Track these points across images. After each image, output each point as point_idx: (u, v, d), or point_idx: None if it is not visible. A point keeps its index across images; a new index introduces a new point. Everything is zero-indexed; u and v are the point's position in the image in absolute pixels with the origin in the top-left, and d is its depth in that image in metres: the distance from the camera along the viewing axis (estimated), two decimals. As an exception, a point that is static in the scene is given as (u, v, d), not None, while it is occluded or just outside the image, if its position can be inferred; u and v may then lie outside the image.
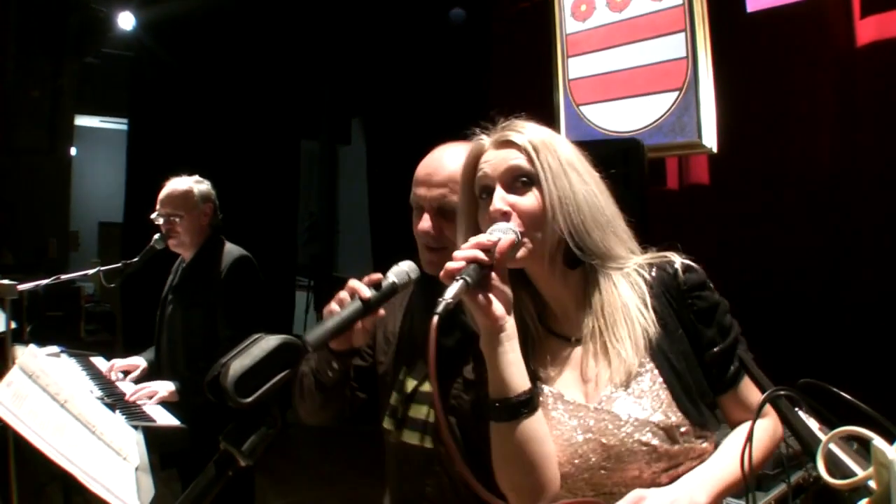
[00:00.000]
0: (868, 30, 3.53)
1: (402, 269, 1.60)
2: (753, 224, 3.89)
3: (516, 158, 1.40)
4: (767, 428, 1.43)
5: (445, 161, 1.81)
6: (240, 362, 1.18)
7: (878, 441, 0.84)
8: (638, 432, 1.33)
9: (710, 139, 3.83)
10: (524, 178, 1.39)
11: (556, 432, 1.39)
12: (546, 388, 1.44)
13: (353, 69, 7.64)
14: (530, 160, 1.39)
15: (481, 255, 1.27)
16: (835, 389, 0.96)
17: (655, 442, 1.32)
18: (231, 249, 3.37)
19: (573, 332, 1.45)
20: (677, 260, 1.43)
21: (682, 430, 1.33)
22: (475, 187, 1.45)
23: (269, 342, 1.22)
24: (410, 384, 1.82)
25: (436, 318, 1.22)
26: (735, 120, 3.86)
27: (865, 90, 3.52)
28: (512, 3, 5.45)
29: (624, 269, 1.42)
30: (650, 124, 4.06)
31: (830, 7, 3.59)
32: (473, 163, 1.46)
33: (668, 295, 1.40)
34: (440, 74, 6.33)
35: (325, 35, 7.35)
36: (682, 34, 3.99)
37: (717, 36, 3.90)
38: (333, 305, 1.56)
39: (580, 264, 1.41)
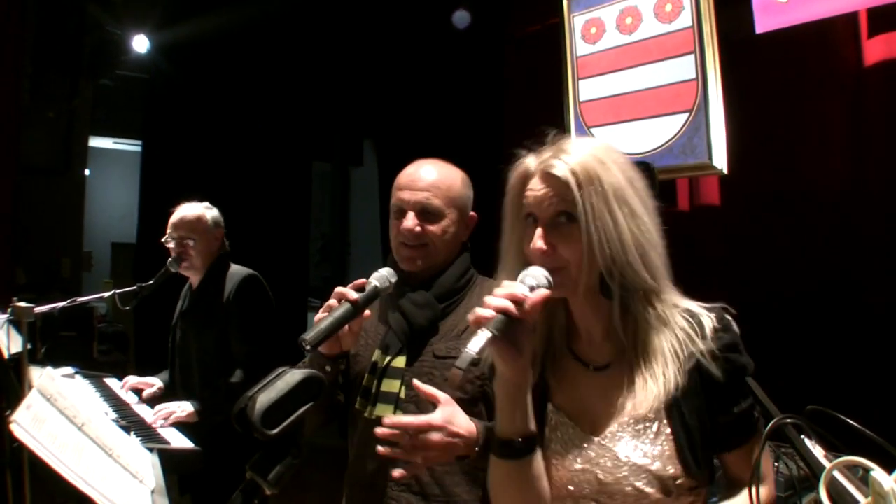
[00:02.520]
0: (876, 49, 3.54)
1: (383, 274, 1.77)
2: (764, 245, 3.88)
3: (557, 196, 1.36)
4: (764, 496, 1.41)
5: (426, 170, 2.03)
6: (266, 395, 1.22)
7: (876, 472, 0.86)
8: (634, 476, 1.34)
9: (720, 160, 3.83)
10: (566, 216, 1.36)
11: (556, 456, 1.41)
12: (555, 409, 1.46)
13: (365, 91, 7.68)
14: (572, 197, 1.34)
15: (512, 308, 1.25)
16: (841, 416, 0.97)
17: (649, 490, 1.33)
18: (237, 270, 3.41)
19: (594, 360, 1.45)
20: (713, 316, 1.39)
21: (678, 482, 1.33)
22: (521, 209, 1.43)
23: (293, 376, 1.26)
24: (383, 360, 1.94)
25: (459, 372, 1.20)
26: (745, 141, 3.86)
27: (874, 109, 3.53)
28: (524, 25, 5.49)
29: (663, 310, 1.40)
30: (661, 146, 4.07)
31: (839, 27, 3.61)
32: (519, 186, 1.45)
33: (698, 348, 1.37)
34: (452, 96, 6.36)
35: (337, 57, 7.39)
36: (692, 56, 4.01)
37: (727, 57, 3.91)
38: (322, 314, 1.66)
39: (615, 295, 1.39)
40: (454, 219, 2.01)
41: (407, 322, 1.94)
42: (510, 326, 1.25)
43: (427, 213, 1.97)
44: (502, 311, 1.24)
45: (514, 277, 1.34)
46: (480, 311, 1.25)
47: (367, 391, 1.94)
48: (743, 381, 1.37)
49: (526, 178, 1.43)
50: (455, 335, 1.94)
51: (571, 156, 1.37)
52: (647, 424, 1.36)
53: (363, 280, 1.72)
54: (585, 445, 1.39)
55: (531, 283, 1.31)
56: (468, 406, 1.73)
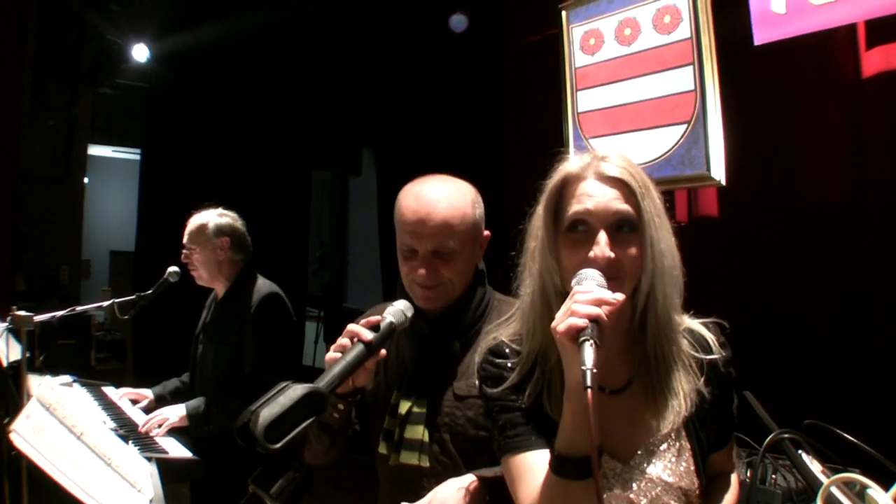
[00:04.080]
0: (875, 61, 3.55)
1: (399, 309, 1.65)
2: (763, 256, 3.88)
3: (623, 203, 1.32)
4: (734, 485, 1.46)
5: (438, 203, 1.85)
6: (269, 410, 1.23)
7: (872, 490, 0.86)
8: (666, 496, 1.34)
9: (718, 172, 3.83)
10: (628, 224, 1.32)
11: None
12: None
13: (364, 100, 7.70)
14: (637, 206, 1.31)
15: (602, 314, 1.21)
16: (838, 431, 0.97)
17: None
18: (262, 286, 3.35)
19: (609, 384, 1.40)
20: (713, 332, 1.45)
21: (697, 493, 1.37)
22: (562, 214, 1.37)
23: (295, 391, 1.26)
24: (404, 406, 1.86)
25: (589, 392, 1.13)
26: (743, 152, 3.86)
27: (873, 121, 3.53)
28: (522, 36, 5.49)
29: (675, 326, 1.39)
30: (659, 157, 4.07)
31: (837, 39, 3.61)
32: (560, 187, 1.39)
33: (705, 364, 1.39)
34: (450, 106, 6.37)
35: (336, 67, 7.41)
36: (690, 67, 4.01)
37: (725, 69, 3.91)
38: (334, 353, 1.59)
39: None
40: (468, 251, 1.90)
41: (430, 366, 1.87)
42: (602, 333, 1.20)
43: (441, 255, 1.84)
44: (594, 319, 1.19)
45: (546, 288, 1.35)
46: (575, 321, 1.19)
47: (391, 435, 1.87)
48: (732, 388, 1.45)
49: (569, 180, 1.38)
50: (472, 372, 1.88)
51: (620, 159, 1.35)
52: (671, 442, 1.36)
53: (377, 318, 1.62)
54: (615, 469, 1.36)
55: (619, 297, 1.25)
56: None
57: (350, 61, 7.30)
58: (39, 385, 1.66)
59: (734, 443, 1.47)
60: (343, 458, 1.98)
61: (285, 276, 7.61)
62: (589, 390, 1.11)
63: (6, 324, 2.83)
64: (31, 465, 1.37)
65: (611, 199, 1.32)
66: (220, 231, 3.39)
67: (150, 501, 1.64)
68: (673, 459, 1.35)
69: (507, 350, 1.49)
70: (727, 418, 1.44)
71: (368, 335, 1.54)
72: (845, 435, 1.00)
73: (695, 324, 1.44)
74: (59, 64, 8.00)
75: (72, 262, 8.58)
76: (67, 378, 3.57)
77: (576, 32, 4.64)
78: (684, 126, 4.00)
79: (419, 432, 1.83)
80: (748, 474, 2.17)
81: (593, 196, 1.32)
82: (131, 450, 2.15)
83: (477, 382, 1.60)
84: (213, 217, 3.42)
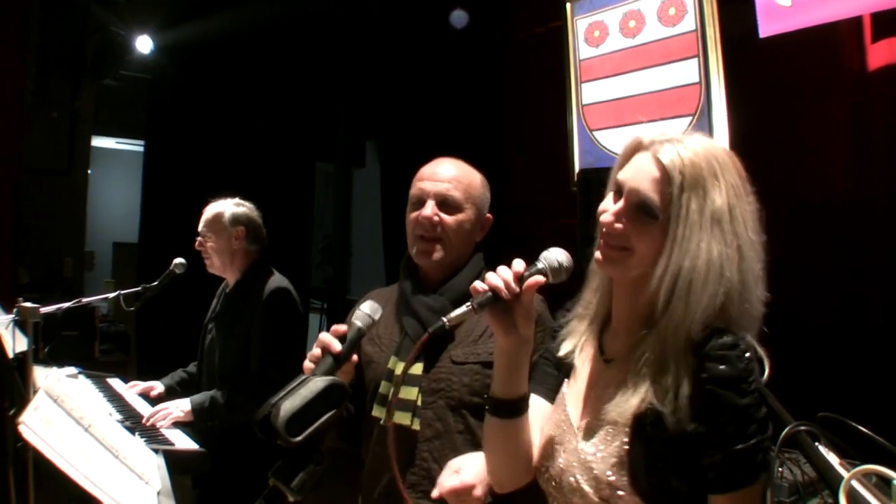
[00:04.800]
0: (880, 54, 3.54)
1: (365, 313, 1.61)
2: (768, 249, 3.88)
3: (653, 186, 1.31)
4: None
5: (448, 165, 2.09)
6: (290, 403, 1.23)
7: None
8: (580, 473, 1.38)
9: (722, 164, 3.84)
10: (651, 214, 1.31)
11: (547, 431, 1.49)
12: (566, 391, 1.52)
13: (368, 92, 7.69)
14: (668, 196, 1.29)
15: (502, 288, 1.34)
16: (853, 423, 0.97)
17: (586, 488, 1.36)
18: (273, 281, 3.32)
19: (608, 352, 1.47)
20: (716, 345, 1.26)
21: (619, 493, 1.31)
22: (616, 176, 1.40)
23: (316, 384, 1.27)
24: (400, 368, 1.93)
25: (424, 337, 1.38)
26: (748, 145, 3.86)
27: (878, 114, 3.53)
28: (526, 28, 5.49)
29: (685, 334, 1.30)
30: (663, 150, 4.08)
31: (842, 32, 3.61)
32: (626, 156, 1.41)
33: (697, 374, 1.27)
34: (454, 98, 6.37)
35: (341, 59, 7.40)
36: (695, 60, 4.01)
37: (730, 61, 3.91)
38: (308, 363, 1.58)
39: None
40: (471, 215, 2.06)
41: (423, 327, 1.91)
42: (496, 304, 1.35)
43: (446, 205, 2.02)
44: (493, 290, 1.34)
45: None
46: (477, 284, 1.37)
47: (384, 399, 1.94)
48: (746, 422, 1.24)
49: (636, 149, 1.39)
50: (472, 340, 1.96)
51: (687, 150, 1.32)
52: (613, 429, 1.35)
53: (344, 328, 1.58)
54: (565, 429, 1.45)
55: (539, 266, 1.38)
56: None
57: (353, 53, 7.29)
58: (46, 377, 1.66)
59: (753, 490, 1.25)
60: (341, 450, 2.00)
61: (289, 267, 7.57)
62: (424, 336, 1.37)
63: (12, 316, 2.83)
64: (38, 456, 1.38)
65: (644, 176, 1.33)
66: (237, 220, 3.37)
67: (158, 493, 1.65)
68: (601, 446, 1.35)
69: None
70: (727, 454, 1.24)
71: (337, 347, 1.52)
72: (860, 427, 1.00)
73: (727, 338, 1.28)
74: (62, 56, 7.98)
75: (75, 254, 8.57)
76: (73, 370, 3.57)
77: (580, 24, 4.64)
78: (689, 118, 4.00)
79: (413, 394, 1.91)
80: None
81: (635, 165, 1.36)
82: (138, 442, 2.16)
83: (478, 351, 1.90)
84: (229, 206, 3.40)
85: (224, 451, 3.03)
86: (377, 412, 1.95)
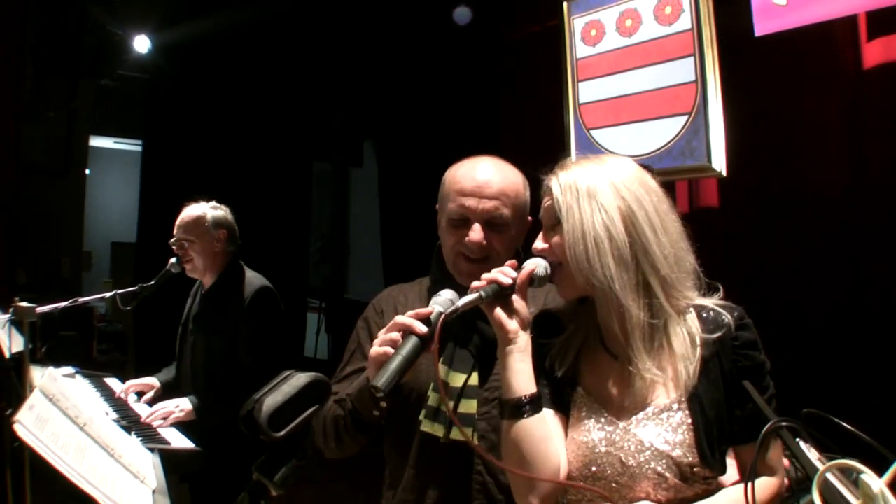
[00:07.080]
0: (875, 52, 3.55)
1: (446, 299, 1.57)
2: (763, 246, 3.89)
3: (547, 202, 1.58)
4: (770, 484, 1.49)
5: (491, 173, 1.84)
6: (272, 398, 1.25)
7: (865, 475, 0.89)
8: (655, 461, 1.43)
9: (719, 162, 3.84)
10: (555, 220, 1.55)
11: (582, 437, 1.50)
12: (585, 393, 1.55)
13: (365, 92, 7.70)
14: (556, 202, 1.54)
15: (502, 279, 1.50)
16: (835, 419, 0.99)
17: (668, 475, 1.42)
18: (252, 278, 3.38)
19: (620, 353, 1.54)
20: (733, 314, 1.51)
21: (695, 469, 1.42)
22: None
23: (299, 379, 1.29)
24: (458, 379, 1.80)
25: (441, 317, 1.44)
26: (744, 143, 3.87)
27: (874, 112, 3.53)
28: (523, 27, 5.49)
29: (679, 306, 1.51)
30: (660, 148, 4.08)
31: (838, 30, 3.61)
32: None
33: (718, 344, 1.48)
34: (451, 97, 6.37)
35: (338, 58, 7.40)
36: (691, 58, 4.02)
37: (726, 60, 3.92)
38: (382, 348, 1.54)
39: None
40: (519, 228, 1.90)
41: (481, 338, 1.81)
42: (500, 294, 1.50)
43: (494, 225, 1.82)
44: (493, 282, 1.49)
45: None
46: (475, 283, 1.50)
47: (436, 412, 1.78)
48: (761, 377, 1.49)
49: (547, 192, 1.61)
50: None
51: (566, 171, 1.57)
52: (671, 414, 1.45)
53: (427, 310, 1.54)
54: (611, 430, 1.48)
55: (529, 267, 1.55)
56: None
57: (351, 53, 7.30)
58: (42, 376, 1.66)
59: (773, 444, 1.44)
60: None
61: (286, 267, 7.64)
62: (440, 321, 1.45)
63: (8, 315, 2.83)
64: (34, 456, 1.38)
65: (544, 205, 1.60)
66: (219, 224, 3.42)
67: (154, 492, 1.66)
68: (669, 429, 1.44)
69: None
70: (750, 408, 1.44)
71: (422, 328, 1.49)
72: (842, 423, 1.02)
73: (710, 303, 1.54)
74: (59, 56, 7.96)
75: (73, 253, 8.56)
76: (70, 369, 3.58)
77: (577, 23, 4.64)
78: (685, 117, 4.00)
79: (473, 407, 1.78)
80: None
81: (543, 204, 1.63)
82: (134, 441, 2.16)
83: None
84: (208, 209, 3.44)
85: (219, 447, 3.03)
86: (428, 427, 1.79)
